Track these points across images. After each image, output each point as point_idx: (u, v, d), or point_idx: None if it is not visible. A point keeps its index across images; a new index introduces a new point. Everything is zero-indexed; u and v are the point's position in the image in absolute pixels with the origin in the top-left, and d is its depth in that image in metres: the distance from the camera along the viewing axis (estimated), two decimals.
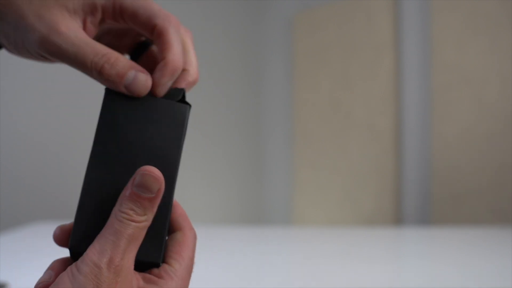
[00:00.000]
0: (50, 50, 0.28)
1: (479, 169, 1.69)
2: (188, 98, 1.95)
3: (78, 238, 0.28)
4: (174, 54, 0.30)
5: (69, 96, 1.52)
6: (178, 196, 1.88)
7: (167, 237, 0.30)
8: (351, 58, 2.02)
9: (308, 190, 2.19)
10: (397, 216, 1.90)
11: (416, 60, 1.82)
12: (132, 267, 0.26)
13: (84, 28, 0.30)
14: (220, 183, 2.10)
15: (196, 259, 0.84)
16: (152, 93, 0.31)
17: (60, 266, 0.28)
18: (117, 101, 0.30)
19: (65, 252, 0.92)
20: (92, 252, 0.25)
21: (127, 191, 0.27)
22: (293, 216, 2.25)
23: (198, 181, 1.98)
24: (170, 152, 0.30)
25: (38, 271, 0.76)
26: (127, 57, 0.34)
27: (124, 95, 0.30)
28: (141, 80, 0.29)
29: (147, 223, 0.27)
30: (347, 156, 2.04)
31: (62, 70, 1.50)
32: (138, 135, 0.29)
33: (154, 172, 0.27)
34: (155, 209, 0.28)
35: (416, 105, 1.83)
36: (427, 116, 1.80)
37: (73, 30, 0.29)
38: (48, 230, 1.18)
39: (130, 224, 0.26)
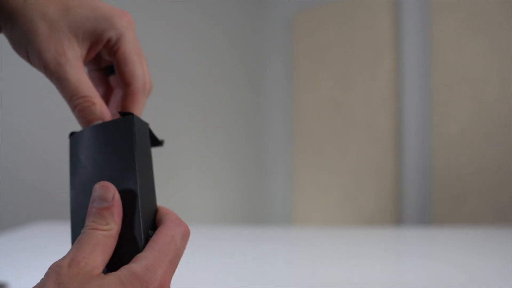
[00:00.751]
0: (44, 71, 0.32)
1: (479, 169, 1.69)
2: (188, 98, 1.95)
3: None
4: (138, 109, 0.37)
5: None
6: (179, 196, 1.88)
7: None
8: (351, 58, 2.02)
9: (308, 190, 2.19)
10: (397, 216, 1.90)
11: (416, 60, 1.82)
12: (100, 267, 0.27)
13: (87, 54, 0.34)
14: (220, 183, 2.10)
15: (195, 259, 0.84)
16: None
17: None
18: (77, 140, 0.34)
19: (66, 252, 0.92)
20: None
21: (88, 207, 0.29)
22: (293, 216, 2.25)
23: (198, 181, 1.98)
24: (126, 164, 0.32)
25: (38, 271, 0.76)
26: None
27: (81, 132, 0.34)
28: None
29: (112, 232, 0.28)
30: (347, 156, 2.04)
31: None
32: (100, 159, 0.32)
33: (103, 183, 0.30)
34: (116, 217, 0.29)
35: (416, 105, 1.83)
36: (427, 116, 1.80)
37: (70, 62, 0.32)
38: (48, 230, 1.18)
39: (94, 232, 0.28)
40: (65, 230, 1.18)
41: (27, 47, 0.31)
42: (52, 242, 1.02)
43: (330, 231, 1.18)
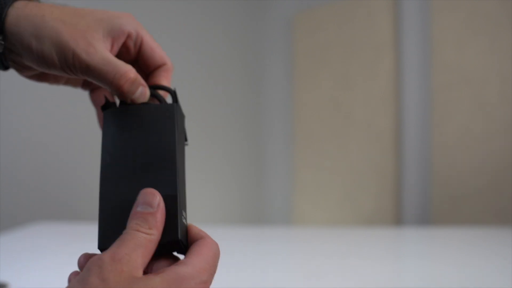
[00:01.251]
0: (79, 68, 0.34)
1: (479, 169, 1.69)
2: (188, 98, 1.94)
3: (102, 239, 0.31)
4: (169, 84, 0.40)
5: (69, 96, 1.52)
6: None
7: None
8: (351, 58, 2.02)
9: (308, 190, 2.19)
10: (397, 216, 1.90)
11: (416, 60, 1.82)
12: (140, 268, 0.27)
13: (111, 48, 0.36)
14: (220, 183, 2.10)
15: None
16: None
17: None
18: (115, 115, 0.35)
19: (66, 252, 0.92)
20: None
21: (132, 211, 0.30)
22: (293, 216, 2.25)
23: (198, 181, 1.98)
24: (166, 150, 0.33)
25: (38, 271, 0.76)
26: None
27: (120, 109, 0.35)
28: (144, 94, 0.36)
29: (154, 237, 0.29)
30: (347, 156, 2.04)
31: None
32: (137, 143, 0.34)
33: (149, 190, 0.31)
34: (158, 224, 0.29)
35: (416, 105, 1.83)
36: (427, 116, 1.80)
37: (99, 51, 0.34)
38: (48, 230, 1.18)
39: (136, 233, 0.28)
40: (65, 230, 1.19)
41: (58, 53, 0.33)
42: (52, 242, 1.02)
43: (330, 231, 1.18)
